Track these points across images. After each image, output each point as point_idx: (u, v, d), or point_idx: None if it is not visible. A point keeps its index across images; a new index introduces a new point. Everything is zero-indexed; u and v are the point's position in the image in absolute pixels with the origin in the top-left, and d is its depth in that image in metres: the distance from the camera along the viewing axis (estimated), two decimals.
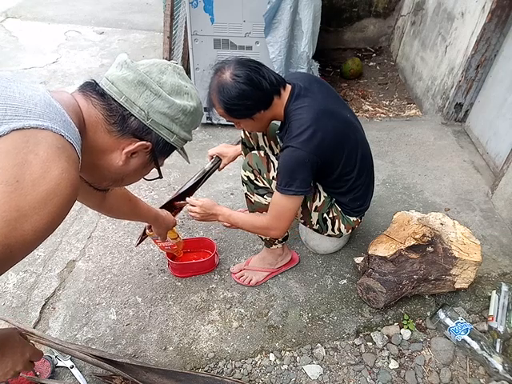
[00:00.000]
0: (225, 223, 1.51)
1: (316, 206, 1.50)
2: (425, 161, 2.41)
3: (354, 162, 1.43)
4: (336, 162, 1.39)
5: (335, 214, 1.54)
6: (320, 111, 1.30)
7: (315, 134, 1.26)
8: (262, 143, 1.72)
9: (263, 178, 1.45)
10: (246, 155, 1.78)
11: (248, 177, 1.47)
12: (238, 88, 1.24)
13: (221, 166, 1.79)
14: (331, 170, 1.41)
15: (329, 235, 1.61)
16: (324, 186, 1.52)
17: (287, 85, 1.35)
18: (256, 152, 1.48)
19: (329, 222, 1.55)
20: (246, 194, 1.53)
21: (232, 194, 2.13)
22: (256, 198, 1.48)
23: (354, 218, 1.58)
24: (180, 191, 1.66)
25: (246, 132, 1.72)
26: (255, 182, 1.46)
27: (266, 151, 1.56)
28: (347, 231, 1.60)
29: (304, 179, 1.30)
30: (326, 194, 1.52)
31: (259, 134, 1.70)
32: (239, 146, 1.81)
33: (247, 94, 1.25)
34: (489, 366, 1.35)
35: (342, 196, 1.52)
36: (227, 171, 2.04)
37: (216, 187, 2.17)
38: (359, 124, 1.52)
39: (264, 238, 1.59)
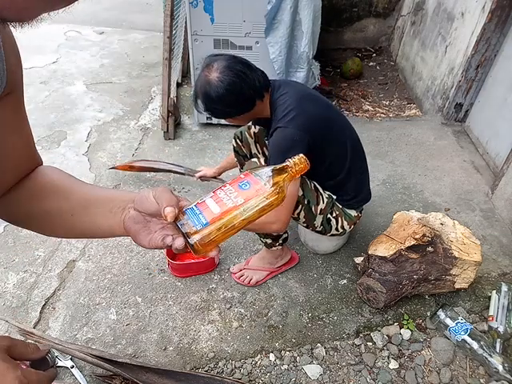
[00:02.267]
0: None
1: (321, 209, 1.50)
2: (425, 161, 2.41)
3: (345, 144, 1.47)
4: (326, 142, 1.40)
5: (337, 213, 1.55)
6: (301, 96, 1.37)
7: (300, 114, 1.31)
8: (254, 151, 1.74)
9: None
10: (239, 163, 1.81)
11: None
12: (218, 93, 1.28)
13: (197, 175, 2.04)
14: (323, 152, 1.41)
15: (332, 235, 1.61)
16: (323, 180, 1.51)
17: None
18: (255, 160, 1.49)
19: (333, 222, 1.55)
20: None
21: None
22: None
23: (355, 213, 1.59)
24: (147, 163, 2.09)
25: (238, 141, 1.75)
26: None
27: (265, 159, 1.58)
28: (349, 227, 1.60)
29: None
30: (326, 195, 1.52)
31: (251, 142, 1.73)
32: (224, 164, 1.99)
33: (227, 101, 1.30)
34: (489, 366, 1.35)
35: (341, 186, 1.52)
36: (227, 171, 2.04)
37: (216, 187, 2.17)
38: (343, 115, 1.59)
39: (264, 240, 1.59)
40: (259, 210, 0.60)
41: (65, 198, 0.68)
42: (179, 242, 0.59)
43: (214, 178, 2.06)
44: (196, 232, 0.57)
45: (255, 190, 0.60)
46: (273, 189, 0.60)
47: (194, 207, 0.61)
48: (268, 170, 0.62)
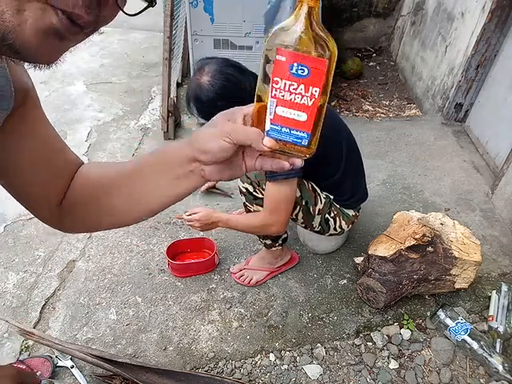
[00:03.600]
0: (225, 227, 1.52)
1: (319, 209, 1.50)
2: (425, 161, 2.41)
3: (341, 144, 1.46)
4: (321, 143, 1.39)
5: (335, 212, 1.55)
6: None
7: None
8: None
9: (263, 189, 1.43)
10: None
11: (247, 189, 1.46)
12: (209, 97, 1.28)
13: (202, 189, 2.09)
14: (319, 153, 1.40)
15: (330, 234, 1.61)
16: (319, 180, 1.51)
17: None
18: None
19: (331, 222, 1.55)
20: (244, 203, 1.53)
21: (232, 193, 2.12)
22: (255, 207, 1.48)
23: (352, 212, 1.59)
24: None
25: None
26: (254, 193, 1.45)
27: None
28: (348, 227, 1.61)
29: None
30: (324, 195, 1.52)
31: None
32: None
33: (218, 105, 1.30)
34: (489, 366, 1.35)
35: (337, 186, 1.52)
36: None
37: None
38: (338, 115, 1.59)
39: (264, 241, 1.59)
40: (331, 73, 0.49)
41: (119, 189, 0.64)
42: (299, 163, 0.55)
43: (214, 187, 2.11)
44: (305, 147, 0.53)
45: (316, 69, 0.48)
46: (325, 51, 0.47)
47: (275, 126, 0.51)
48: (296, 31, 0.47)
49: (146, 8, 0.46)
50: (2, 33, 0.36)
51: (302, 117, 0.49)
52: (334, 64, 0.49)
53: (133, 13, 0.46)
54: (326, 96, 0.50)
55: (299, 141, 0.51)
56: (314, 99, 0.48)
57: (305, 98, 0.49)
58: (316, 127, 0.51)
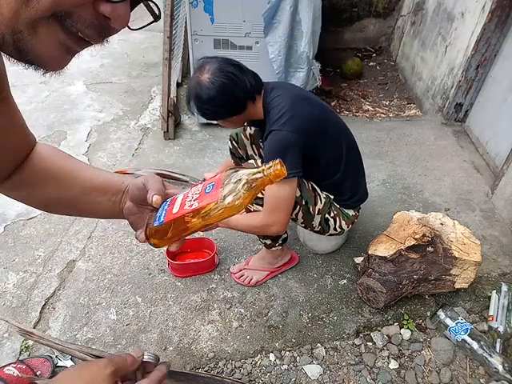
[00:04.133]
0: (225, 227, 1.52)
1: (319, 209, 1.50)
2: (425, 161, 2.41)
3: (341, 144, 1.46)
4: (321, 143, 1.39)
5: (335, 212, 1.55)
6: (295, 97, 1.36)
7: (294, 116, 1.30)
8: (250, 152, 1.74)
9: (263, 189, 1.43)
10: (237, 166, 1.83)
11: None
12: (209, 95, 1.29)
13: None
14: (318, 153, 1.41)
15: (330, 234, 1.61)
16: (319, 180, 1.51)
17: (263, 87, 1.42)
18: (253, 161, 1.49)
19: (331, 222, 1.55)
20: None
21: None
22: (255, 207, 1.48)
23: (353, 212, 1.59)
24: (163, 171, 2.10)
25: (233, 142, 1.75)
26: None
27: (261, 160, 1.58)
28: (348, 227, 1.60)
29: (292, 160, 1.29)
30: (324, 195, 1.52)
31: (247, 143, 1.73)
32: (224, 168, 1.95)
33: (218, 103, 1.31)
34: (489, 366, 1.35)
35: (337, 186, 1.52)
36: None
37: None
38: (338, 115, 1.57)
39: (264, 241, 1.59)
40: (215, 216, 0.57)
41: (65, 188, 0.71)
42: (141, 237, 0.64)
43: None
44: (152, 228, 0.61)
45: (211, 196, 0.57)
46: (230, 198, 0.55)
47: (168, 200, 0.63)
48: (239, 174, 0.57)
49: (150, 23, 0.53)
50: (23, 49, 0.43)
51: (175, 209, 0.60)
52: (231, 212, 0.57)
53: (136, 27, 0.54)
54: (199, 224, 0.59)
55: (156, 220, 0.61)
56: (191, 208, 0.58)
57: (189, 202, 0.59)
58: (172, 228, 0.60)
